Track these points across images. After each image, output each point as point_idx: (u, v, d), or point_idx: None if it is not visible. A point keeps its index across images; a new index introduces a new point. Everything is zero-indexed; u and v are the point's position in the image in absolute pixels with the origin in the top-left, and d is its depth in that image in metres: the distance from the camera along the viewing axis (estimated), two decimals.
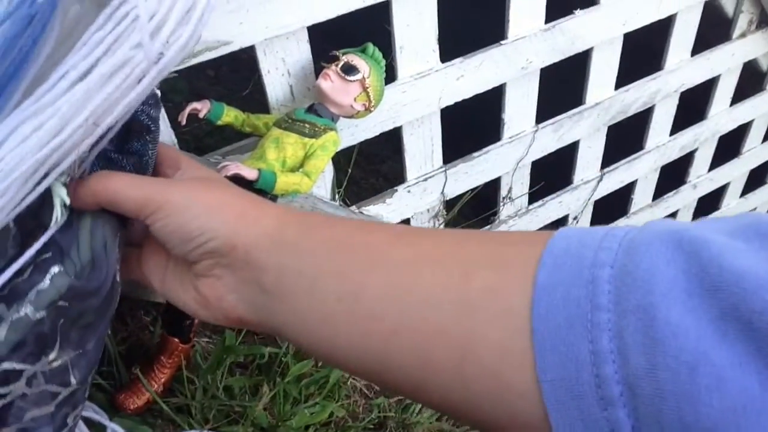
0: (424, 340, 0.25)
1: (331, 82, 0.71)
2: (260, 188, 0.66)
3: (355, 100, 0.73)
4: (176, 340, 0.69)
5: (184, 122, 0.71)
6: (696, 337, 0.19)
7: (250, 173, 0.66)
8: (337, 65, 0.71)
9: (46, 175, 0.29)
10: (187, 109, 0.71)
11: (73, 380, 0.34)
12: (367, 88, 0.73)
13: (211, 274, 0.32)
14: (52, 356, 0.33)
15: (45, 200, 0.31)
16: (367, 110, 0.75)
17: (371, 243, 0.29)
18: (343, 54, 0.73)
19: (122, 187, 0.31)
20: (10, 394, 0.31)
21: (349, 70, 0.72)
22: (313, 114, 0.73)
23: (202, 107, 0.72)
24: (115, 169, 0.35)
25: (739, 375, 0.19)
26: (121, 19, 0.27)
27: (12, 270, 0.30)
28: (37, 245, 0.31)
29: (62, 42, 0.28)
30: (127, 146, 0.36)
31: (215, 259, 0.31)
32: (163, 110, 0.72)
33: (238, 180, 0.65)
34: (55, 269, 0.31)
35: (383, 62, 0.76)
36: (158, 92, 0.37)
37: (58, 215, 0.32)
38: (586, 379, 0.21)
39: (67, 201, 0.32)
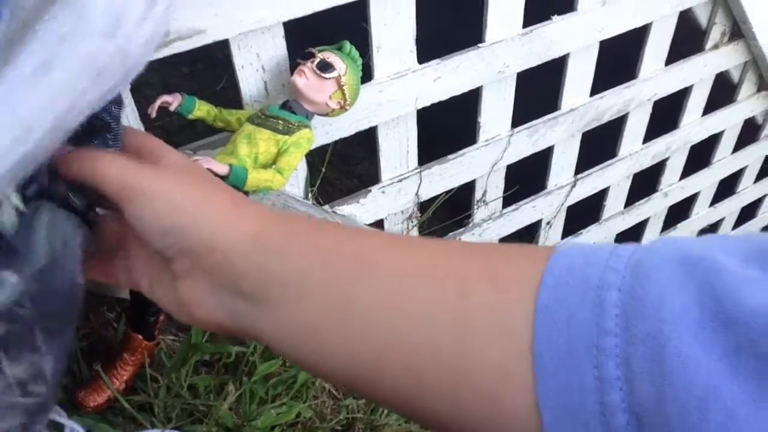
0: (416, 359, 0.24)
1: (306, 79, 0.71)
2: (231, 184, 0.65)
3: (330, 97, 0.72)
4: (140, 337, 0.68)
5: (154, 115, 0.69)
6: (706, 371, 0.18)
7: (221, 168, 0.64)
8: (312, 62, 0.71)
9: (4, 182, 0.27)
10: (158, 102, 0.70)
11: (38, 389, 0.33)
12: (343, 86, 0.72)
13: (188, 276, 0.30)
14: (16, 365, 0.31)
15: None
16: (342, 108, 0.74)
17: (361, 251, 0.27)
18: (319, 51, 0.72)
19: (105, 164, 0.30)
20: None
21: (325, 67, 0.71)
22: (287, 111, 0.72)
23: (173, 100, 0.71)
24: None
25: (753, 414, 0.18)
26: (77, 13, 0.25)
27: None
28: None
29: (16, 34, 0.26)
30: (86, 144, 0.34)
31: (192, 260, 0.30)
32: (132, 103, 0.70)
33: None
34: (9, 276, 0.29)
35: (360, 61, 0.75)
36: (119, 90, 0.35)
37: (12, 222, 0.30)
38: (591, 407, 0.20)
39: (21, 207, 0.30)
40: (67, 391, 0.64)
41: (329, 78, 0.71)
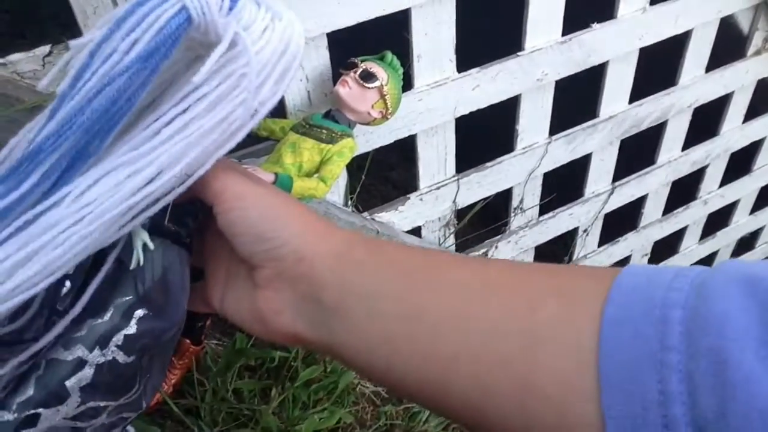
0: (486, 368, 0.25)
1: (349, 89, 0.72)
2: None
3: (372, 107, 0.73)
4: (188, 341, 0.70)
5: None
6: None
7: (266, 177, 0.66)
8: (355, 72, 0.72)
9: (133, 219, 0.29)
10: None
11: (144, 404, 0.34)
12: (385, 95, 0.73)
13: (271, 286, 0.31)
14: (134, 389, 0.33)
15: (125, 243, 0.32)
16: (384, 117, 0.75)
17: (434, 266, 0.29)
18: (362, 61, 0.73)
19: (220, 176, 0.31)
20: (90, 426, 0.31)
21: (368, 77, 0.72)
22: (330, 120, 0.73)
23: None
24: (181, 205, 0.35)
25: None
26: (227, 77, 0.28)
27: (80, 305, 0.30)
28: (98, 278, 0.30)
29: (156, 89, 0.29)
30: None
31: (278, 269, 0.31)
32: None
33: None
34: (139, 312, 0.31)
35: (401, 70, 0.76)
36: None
37: (140, 258, 0.31)
38: (653, 419, 0.21)
39: (151, 246, 0.32)
40: None
41: (372, 87, 0.72)
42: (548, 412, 0.23)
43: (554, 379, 0.23)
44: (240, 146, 0.81)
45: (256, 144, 0.79)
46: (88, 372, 0.30)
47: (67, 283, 0.30)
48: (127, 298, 0.31)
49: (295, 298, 0.31)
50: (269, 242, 0.30)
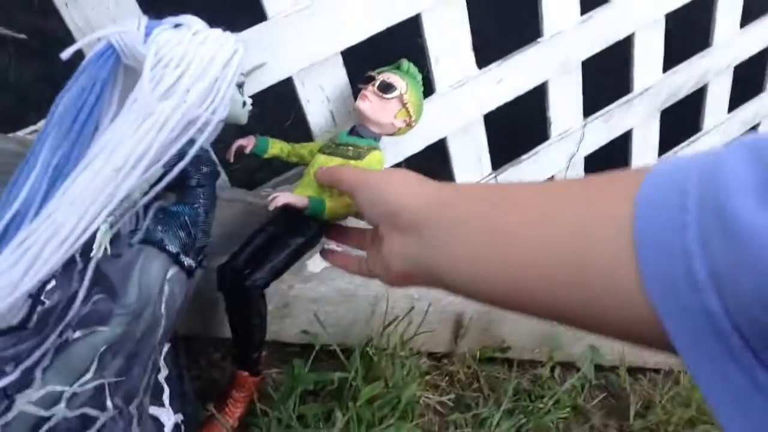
0: (552, 261, 0.31)
1: (369, 102, 0.72)
2: (311, 215, 0.67)
3: (395, 117, 0.73)
4: (246, 373, 0.70)
5: (231, 159, 0.72)
6: (761, 215, 0.21)
7: (299, 201, 0.66)
8: (373, 85, 0.72)
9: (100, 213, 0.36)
10: (234, 147, 0.73)
11: (109, 404, 0.37)
12: (406, 104, 0.73)
13: (389, 236, 0.42)
14: (87, 377, 0.36)
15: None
16: (408, 126, 0.75)
17: (502, 191, 0.36)
18: (379, 73, 0.73)
19: (343, 173, 0.50)
20: (54, 417, 0.35)
21: (386, 88, 0.72)
22: (355, 136, 0.73)
23: (248, 143, 0.73)
24: (173, 220, 0.43)
25: None
26: (148, 84, 0.37)
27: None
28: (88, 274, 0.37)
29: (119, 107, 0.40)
30: (185, 200, 0.43)
31: (393, 223, 0.42)
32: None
33: (289, 209, 0.66)
34: (99, 296, 0.37)
35: (420, 76, 0.75)
36: (215, 158, 0.45)
37: (100, 245, 0.37)
38: (681, 270, 0.24)
39: (102, 229, 0.37)
40: None
41: (392, 98, 0.72)
42: (600, 284, 0.28)
43: (603, 256, 0.28)
44: (273, 173, 0.82)
45: (287, 171, 0.80)
46: (47, 355, 0.35)
47: (53, 282, 0.36)
48: (98, 295, 0.37)
49: (404, 241, 0.41)
50: (383, 206, 0.43)
